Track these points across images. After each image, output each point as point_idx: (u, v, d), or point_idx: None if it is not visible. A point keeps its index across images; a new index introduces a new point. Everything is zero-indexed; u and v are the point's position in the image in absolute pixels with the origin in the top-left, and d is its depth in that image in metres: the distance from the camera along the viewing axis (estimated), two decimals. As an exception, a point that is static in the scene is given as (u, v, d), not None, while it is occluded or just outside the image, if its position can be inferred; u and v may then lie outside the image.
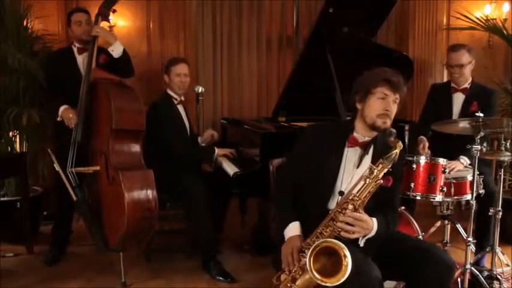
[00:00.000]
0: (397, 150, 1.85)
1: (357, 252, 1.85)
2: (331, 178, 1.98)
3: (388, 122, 1.95)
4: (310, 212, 1.95)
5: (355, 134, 2.02)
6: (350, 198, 1.84)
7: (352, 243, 1.85)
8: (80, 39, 3.19)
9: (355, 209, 1.82)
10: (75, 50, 3.22)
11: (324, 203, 1.97)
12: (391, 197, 2.04)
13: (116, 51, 3.10)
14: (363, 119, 1.99)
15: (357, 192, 1.85)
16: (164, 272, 3.07)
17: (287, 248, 1.87)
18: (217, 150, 3.29)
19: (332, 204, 1.96)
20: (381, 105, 1.94)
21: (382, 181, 1.85)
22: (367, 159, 1.99)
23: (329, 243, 1.71)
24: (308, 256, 1.70)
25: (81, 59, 3.18)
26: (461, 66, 3.08)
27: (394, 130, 1.92)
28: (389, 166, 1.84)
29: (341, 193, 1.93)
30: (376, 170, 1.84)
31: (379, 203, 1.96)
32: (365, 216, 1.83)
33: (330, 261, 1.72)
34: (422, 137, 3.06)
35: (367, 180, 1.84)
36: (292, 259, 1.82)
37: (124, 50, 3.13)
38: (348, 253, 1.66)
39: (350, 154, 2.00)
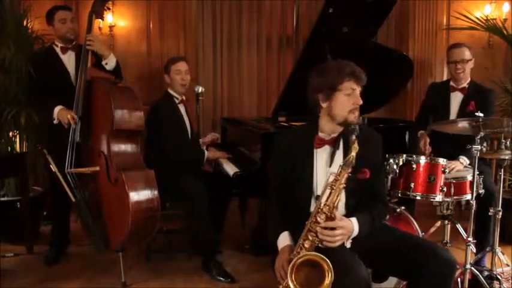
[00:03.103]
0: (353, 153, 1.82)
1: (344, 251, 1.86)
2: (306, 182, 1.98)
3: (357, 114, 1.94)
4: (297, 218, 1.94)
5: (320, 134, 2.01)
6: (320, 208, 1.83)
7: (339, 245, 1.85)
8: (64, 38, 3.12)
9: (328, 217, 1.81)
10: (57, 49, 3.14)
11: (306, 207, 1.97)
12: (376, 188, 2.04)
13: (110, 63, 3.05)
14: (331, 117, 1.97)
15: (326, 200, 1.83)
16: (164, 272, 3.07)
17: (278, 261, 1.88)
18: (207, 153, 3.28)
19: (313, 208, 1.95)
20: (350, 101, 1.93)
21: (357, 175, 1.85)
22: (339, 154, 1.98)
23: (311, 257, 1.73)
24: (289, 273, 1.71)
25: (66, 58, 3.13)
26: (465, 61, 3.08)
27: (356, 127, 1.89)
28: (349, 170, 1.82)
29: (318, 198, 1.90)
30: (338, 177, 1.83)
31: (363, 196, 1.97)
32: (340, 222, 1.82)
33: (314, 272, 1.73)
34: (422, 131, 3.05)
35: (333, 188, 1.83)
36: (284, 272, 1.82)
37: (116, 61, 3.09)
38: (330, 266, 1.68)
39: (320, 154, 2.00)
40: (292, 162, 2.01)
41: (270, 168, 2.16)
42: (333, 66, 1.96)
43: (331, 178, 1.85)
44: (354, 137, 1.86)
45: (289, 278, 1.72)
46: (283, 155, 2.06)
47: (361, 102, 1.94)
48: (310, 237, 1.82)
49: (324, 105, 1.97)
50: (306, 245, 1.82)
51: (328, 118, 1.99)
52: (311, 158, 2.00)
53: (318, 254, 1.73)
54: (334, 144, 1.98)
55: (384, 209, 2.08)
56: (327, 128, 2.01)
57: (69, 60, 3.13)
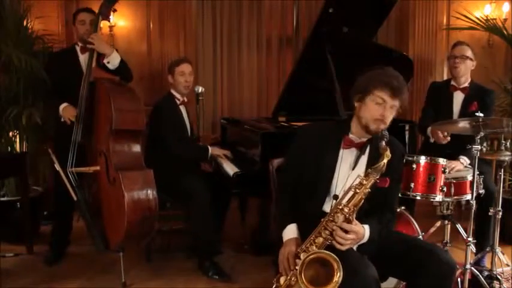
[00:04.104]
0: (385, 161, 1.81)
1: (353, 252, 1.85)
2: (326, 180, 1.97)
3: (382, 127, 1.91)
4: (306, 213, 1.94)
5: (350, 136, 1.99)
6: (340, 208, 1.81)
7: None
8: (82, 39, 3.17)
9: (346, 219, 1.80)
10: (78, 49, 3.20)
11: (319, 204, 1.97)
12: (389, 198, 2.02)
13: (112, 62, 3.01)
14: (359, 119, 1.96)
15: (347, 202, 1.82)
16: (164, 272, 3.07)
17: (283, 252, 1.87)
18: (211, 150, 3.29)
19: (327, 207, 1.95)
20: (378, 111, 1.89)
21: (378, 182, 1.83)
22: (364, 159, 1.98)
23: (322, 255, 1.73)
24: (299, 270, 1.71)
25: (83, 58, 3.17)
26: (464, 57, 3.08)
27: (386, 133, 1.88)
28: (378, 177, 1.81)
29: (335, 197, 1.89)
30: (364, 181, 1.81)
31: (376, 204, 1.94)
32: (356, 227, 1.81)
33: (323, 270, 1.72)
34: (430, 127, 3.02)
35: (357, 190, 1.81)
36: (287, 264, 1.82)
37: (121, 60, 3.07)
38: (340, 266, 1.67)
39: (345, 155, 1.98)
40: (314, 156, 1.98)
41: (288, 158, 2.12)
42: (376, 72, 1.93)
43: (357, 181, 1.82)
44: (384, 144, 1.84)
45: (298, 274, 1.70)
46: (306, 148, 2.02)
47: (388, 115, 1.90)
48: (323, 235, 1.81)
49: (356, 105, 1.97)
50: (317, 242, 1.81)
51: (357, 119, 1.97)
52: (336, 157, 1.97)
53: (330, 253, 1.72)
54: (361, 148, 1.97)
55: (392, 219, 2.06)
56: (356, 130, 1.98)
57: (85, 60, 3.13)
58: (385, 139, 1.86)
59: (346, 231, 1.79)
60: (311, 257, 1.72)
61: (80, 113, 2.93)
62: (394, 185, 2.02)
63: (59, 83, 3.13)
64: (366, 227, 1.87)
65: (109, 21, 3.31)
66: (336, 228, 1.79)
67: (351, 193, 1.82)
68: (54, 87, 3.17)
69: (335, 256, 1.70)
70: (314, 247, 1.80)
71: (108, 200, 2.82)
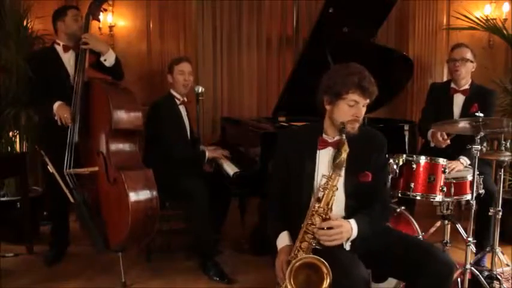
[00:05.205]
0: (344, 155, 1.83)
1: (343, 252, 1.86)
2: (308, 183, 1.98)
3: (357, 126, 1.94)
4: (297, 216, 1.94)
5: (324, 136, 2.01)
6: (314, 210, 1.83)
7: (338, 247, 1.85)
8: (74, 35, 3.09)
9: (323, 219, 1.82)
10: (59, 48, 3.12)
11: (307, 206, 1.96)
12: (377, 190, 2.02)
13: (109, 60, 3.02)
14: (331, 120, 1.98)
15: (320, 202, 1.84)
16: (164, 272, 3.07)
17: (277, 262, 1.88)
18: (208, 153, 3.28)
19: None
20: (351, 111, 1.92)
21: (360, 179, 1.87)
22: None
23: (309, 260, 1.73)
24: (287, 277, 1.71)
25: (66, 58, 3.12)
26: (464, 60, 3.08)
27: (343, 126, 1.90)
28: (341, 173, 1.84)
29: (319, 200, 1.90)
30: (330, 180, 1.84)
31: (365, 199, 1.95)
32: (335, 222, 1.82)
33: (314, 274, 1.73)
34: (431, 130, 3.02)
35: (325, 190, 1.83)
36: (282, 273, 1.82)
37: (116, 57, 3.07)
38: (329, 268, 1.68)
39: (323, 156, 1.99)
40: (294, 161, 2.01)
41: (272, 166, 2.15)
42: (344, 73, 1.93)
43: (323, 181, 1.85)
44: (343, 137, 1.87)
45: (287, 281, 1.71)
46: (285, 154, 2.05)
47: (362, 115, 1.94)
48: (306, 239, 1.82)
49: (327, 107, 1.99)
50: (303, 247, 1.82)
51: (330, 121, 2.00)
52: (314, 159, 1.99)
53: (316, 256, 1.73)
54: (337, 145, 1.96)
55: (384, 211, 2.05)
56: (330, 130, 2.01)
57: (69, 59, 3.11)
58: (344, 132, 1.89)
59: (329, 228, 1.81)
60: (298, 263, 1.73)
61: (75, 113, 2.90)
62: (378, 177, 2.02)
63: (43, 83, 3.05)
64: (352, 221, 1.88)
65: (99, 21, 3.29)
66: (316, 230, 1.80)
67: (320, 193, 1.85)
68: (39, 87, 3.08)
69: (322, 259, 1.70)
70: (302, 252, 1.81)
71: (108, 201, 2.81)
